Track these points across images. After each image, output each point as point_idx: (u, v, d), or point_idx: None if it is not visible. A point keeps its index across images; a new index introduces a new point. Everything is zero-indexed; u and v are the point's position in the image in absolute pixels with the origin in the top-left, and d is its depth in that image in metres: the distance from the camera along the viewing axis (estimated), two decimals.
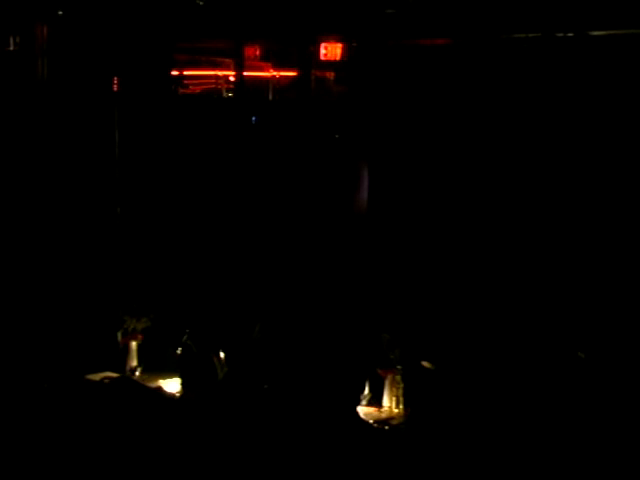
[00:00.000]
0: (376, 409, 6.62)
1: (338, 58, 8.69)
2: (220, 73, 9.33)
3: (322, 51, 8.67)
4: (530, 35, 7.81)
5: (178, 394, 6.59)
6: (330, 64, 8.83)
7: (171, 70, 9.20)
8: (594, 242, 8.22)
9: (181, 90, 9.34)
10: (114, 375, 6.88)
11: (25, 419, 5.23)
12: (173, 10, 8.35)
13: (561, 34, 7.61)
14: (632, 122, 7.91)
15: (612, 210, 7.90)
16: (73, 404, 5.30)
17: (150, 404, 5.24)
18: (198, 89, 9.43)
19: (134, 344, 7.42)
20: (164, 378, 6.92)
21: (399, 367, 6.69)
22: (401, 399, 6.65)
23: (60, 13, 8.33)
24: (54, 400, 5.46)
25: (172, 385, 6.80)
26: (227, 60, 9.33)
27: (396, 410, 6.61)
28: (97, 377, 6.81)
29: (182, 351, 7.03)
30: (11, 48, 8.50)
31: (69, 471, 4.81)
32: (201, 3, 8.00)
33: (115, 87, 8.97)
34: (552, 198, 8.32)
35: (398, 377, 6.66)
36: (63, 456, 4.86)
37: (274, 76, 9.23)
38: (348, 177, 9.08)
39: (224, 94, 9.37)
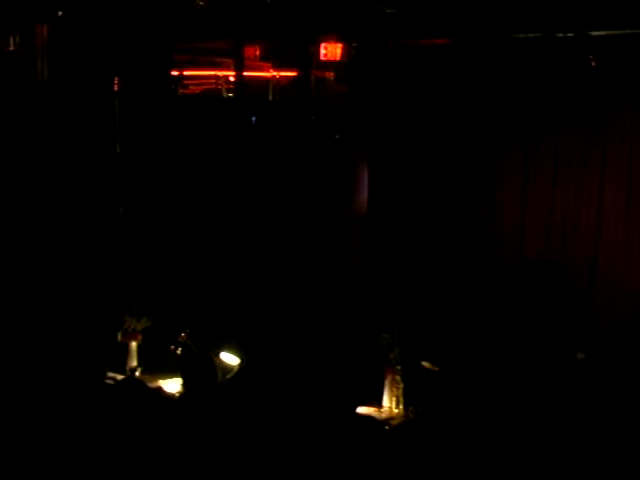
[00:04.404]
0: (376, 409, 6.62)
1: (338, 58, 8.69)
2: (220, 73, 9.32)
3: (322, 51, 8.67)
4: (530, 35, 7.82)
5: (178, 394, 6.59)
6: (330, 64, 8.83)
7: (171, 70, 9.19)
8: None
9: (181, 90, 9.33)
10: (114, 375, 6.88)
11: (25, 419, 5.23)
12: (173, 10, 8.34)
13: (561, 34, 7.61)
14: (630, 121, 7.93)
15: None
16: (74, 404, 5.30)
17: (151, 404, 5.24)
18: (198, 89, 9.42)
19: (134, 344, 7.43)
20: (164, 378, 6.92)
21: (399, 367, 6.69)
22: (401, 399, 6.65)
23: (60, 13, 8.32)
24: (55, 400, 5.46)
25: (172, 385, 6.80)
26: (227, 60, 9.32)
27: (396, 410, 6.61)
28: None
29: (182, 351, 7.03)
30: (11, 48, 8.49)
31: (70, 471, 4.82)
32: (201, 3, 8.00)
33: (116, 87, 8.97)
34: (553, 200, 8.33)
35: (398, 377, 6.67)
36: (63, 456, 4.86)
37: (274, 76, 9.22)
38: (348, 177, 9.08)
39: (224, 94, 9.36)
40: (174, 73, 9.23)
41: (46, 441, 4.94)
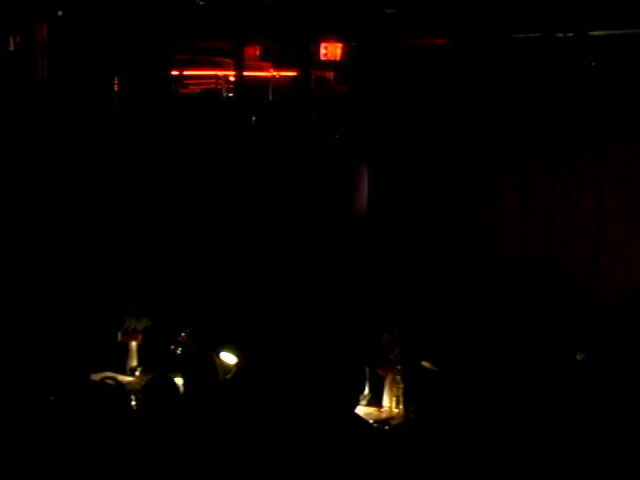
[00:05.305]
0: (376, 409, 6.63)
1: (338, 58, 8.68)
2: (220, 73, 9.33)
3: (322, 51, 8.66)
4: (530, 35, 7.82)
5: None
6: (330, 64, 8.83)
7: (171, 70, 9.20)
8: None
9: (181, 90, 9.34)
10: (114, 375, 6.88)
11: (27, 420, 5.24)
12: (173, 10, 8.35)
13: (561, 34, 7.61)
14: (629, 120, 7.94)
15: None
16: (75, 404, 5.31)
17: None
18: (198, 89, 9.42)
19: (134, 344, 7.43)
20: None
21: (399, 367, 6.70)
22: (401, 399, 6.66)
23: (60, 13, 8.33)
24: (56, 400, 5.48)
25: None
26: (227, 60, 9.32)
27: (396, 410, 6.62)
28: (97, 377, 6.82)
29: (182, 351, 7.04)
30: (11, 48, 8.50)
31: (68, 471, 4.83)
32: (201, 3, 8.00)
33: (116, 87, 8.98)
34: (553, 200, 8.32)
35: (398, 377, 6.68)
36: (63, 456, 4.87)
37: (274, 76, 9.22)
38: (348, 177, 9.08)
39: (224, 94, 9.36)
40: (174, 73, 9.24)
41: (45, 441, 4.95)
